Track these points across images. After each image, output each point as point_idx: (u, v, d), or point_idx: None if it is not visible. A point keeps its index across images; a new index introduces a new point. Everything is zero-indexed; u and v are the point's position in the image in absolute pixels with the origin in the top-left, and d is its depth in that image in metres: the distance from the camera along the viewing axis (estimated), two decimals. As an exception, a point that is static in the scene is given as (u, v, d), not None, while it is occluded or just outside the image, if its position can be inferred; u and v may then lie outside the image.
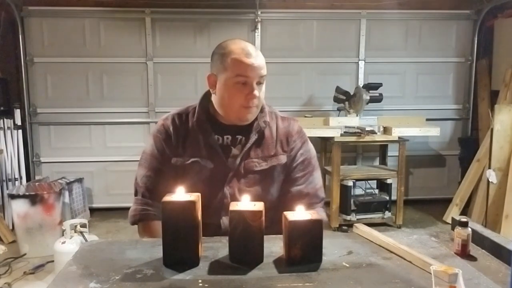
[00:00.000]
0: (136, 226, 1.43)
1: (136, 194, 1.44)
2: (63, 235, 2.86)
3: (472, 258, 1.07)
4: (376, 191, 3.96)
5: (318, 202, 1.45)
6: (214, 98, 1.42)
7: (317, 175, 1.48)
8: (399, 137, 3.80)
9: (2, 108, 4.00)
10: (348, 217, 3.82)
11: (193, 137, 1.41)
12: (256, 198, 1.35)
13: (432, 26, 4.44)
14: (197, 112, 1.43)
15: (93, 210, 4.28)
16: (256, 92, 1.34)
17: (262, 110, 1.44)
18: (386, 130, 3.88)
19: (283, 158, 1.43)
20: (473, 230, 1.16)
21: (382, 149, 4.25)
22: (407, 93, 4.52)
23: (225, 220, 1.36)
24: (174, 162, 1.40)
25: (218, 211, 1.38)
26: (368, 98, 3.92)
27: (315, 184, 1.46)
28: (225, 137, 1.41)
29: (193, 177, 1.37)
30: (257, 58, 1.35)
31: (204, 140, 1.40)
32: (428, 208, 4.37)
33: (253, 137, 1.41)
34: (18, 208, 3.25)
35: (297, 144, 1.46)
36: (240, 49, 1.34)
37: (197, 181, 1.36)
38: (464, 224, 1.09)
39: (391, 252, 1.09)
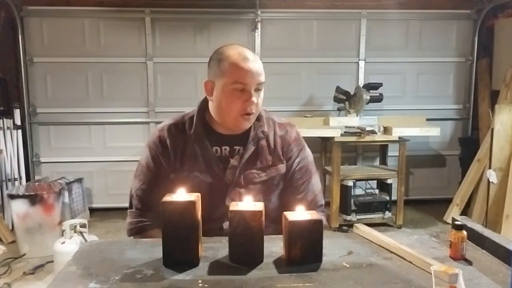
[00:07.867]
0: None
1: (130, 207, 1.43)
2: (62, 235, 2.86)
3: (468, 262, 1.04)
4: (376, 191, 3.95)
5: (316, 208, 1.43)
6: (211, 105, 1.38)
7: (315, 181, 1.47)
8: (399, 137, 3.79)
9: (1, 108, 3.99)
10: (348, 217, 3.82)
11: (191, 149, 1.38)
12: None
13: (433, 26, 4.44)
14: (195, 124, 1.38)
15: (92, 210, 4.28)
16: (254, 99, 1.30)
17: (259, 119, 1.41)
18: (386, 130, 3.87)
19: (282, 168, 1.41)
20: (473, 230, 1.16)
21: (382, 149, 4.25)
22: (407, 93, 4.52)
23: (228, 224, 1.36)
24: (172, 178, 1.38)
25: (220, 221, 1.36)
26: (368, 98, 3.92)
27: (313, 191, 1.45)
28: (223, 148, 1.39)
29: (192, 191, 1.35)
30: (255, 64, 1.30)
31: (201, 153, 1.37)
32: (428, 208, 4.36)
33: (251, 148, 1.38)
34: (18, 208, 3.24)
35: (294, 152, 1.44)
36: (237, 54, 1.30)
37: None
38: (458, 227, 1.06)
39: (392, 252, 1.09)
